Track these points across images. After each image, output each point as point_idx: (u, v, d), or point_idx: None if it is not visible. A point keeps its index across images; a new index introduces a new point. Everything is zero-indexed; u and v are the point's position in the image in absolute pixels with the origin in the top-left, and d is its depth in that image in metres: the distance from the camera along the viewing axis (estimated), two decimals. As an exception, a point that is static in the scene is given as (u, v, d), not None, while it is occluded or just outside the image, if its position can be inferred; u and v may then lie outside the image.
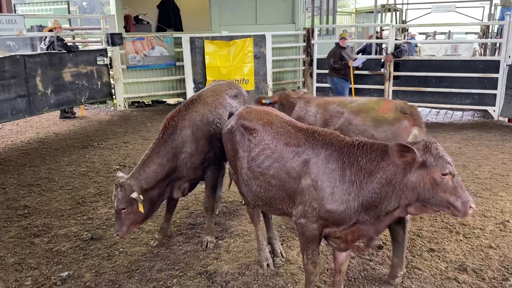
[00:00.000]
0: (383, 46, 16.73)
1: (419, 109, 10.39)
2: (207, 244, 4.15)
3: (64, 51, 8.87)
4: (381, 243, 4.18)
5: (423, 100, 9.69)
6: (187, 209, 5.09)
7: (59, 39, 9.06)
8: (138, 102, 11.17)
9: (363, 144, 2.86)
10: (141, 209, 3.60)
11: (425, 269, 3.75)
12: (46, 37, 9.29)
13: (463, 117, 10.11)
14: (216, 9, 11.09)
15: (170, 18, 12.88)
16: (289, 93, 4.74)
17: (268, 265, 3.75)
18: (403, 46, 9.80)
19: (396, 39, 10.17)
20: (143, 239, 4.38)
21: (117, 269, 3.82)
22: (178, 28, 12.75)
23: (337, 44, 9.55)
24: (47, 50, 9.01)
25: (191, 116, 3.97)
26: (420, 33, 19.77)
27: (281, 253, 3.94)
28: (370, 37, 17.80)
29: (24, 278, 3.71)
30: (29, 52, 9.84)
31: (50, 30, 9.10)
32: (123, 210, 3.61)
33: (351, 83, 9.49)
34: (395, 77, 9.84)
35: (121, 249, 4.17)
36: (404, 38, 16.59)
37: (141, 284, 3.59)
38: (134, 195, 3.55)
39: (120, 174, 3.75)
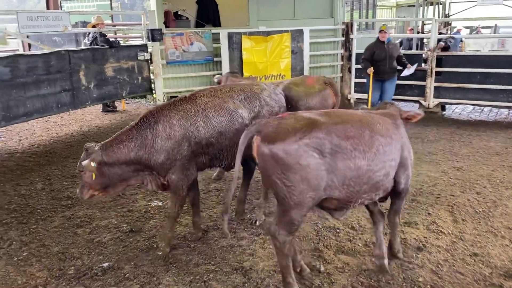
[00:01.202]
0: (425, 41, 16.27)
1: (461, 106, 10.14)
2: (159, 250, 4.06)
3: (106, 47, 9.12)
4: (421, 245, 4.07)
5: (466, 97, 9.32)
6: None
7: (102, 34, 9.31)
8: (177, 96, 11.33)
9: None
10: (93, 177, 3.67)
11: (467, 274, 3.62)
12: (89, 33, 9.57)
13: (509, 115, 9.67)
14: (254, 4, 11.06)
15: (208, 14, 12.96)
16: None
17: None
18: (450, 41, 9.42)
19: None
20: (181, 232, 4.45)
21: (155, 262, 3.90)
22: (217, 23, 12.82)
23: (377, 38, 9.16)
24: (90, 45, 9.29)
25: (169, 113, 3.85)
26: (465, 27, 19.01)
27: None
28: (410, 30, 17.30)
29: (67, 267, 3.86)
30: (73, 47, 10.16)
31: (94, 26, 9.37)
32: (81, 172, 3.73)
33: (377, 86, 8.71)
34: (437, 73, 9.50)
35: (159, 242, 4.26)
36: (447, 32, 16.04)
37: (178, 278, 3.65)
38: (84, 162, 3.60)
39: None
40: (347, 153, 2.99)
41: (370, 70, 8.50)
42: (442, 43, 9.27)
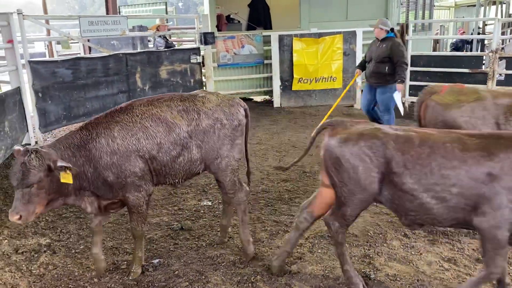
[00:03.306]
0: (486, 42, 15.49)
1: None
2: (130, 274, 3.74)
3: (162, 50, 9.41)
4: (480, 256, 3.85)
5: (532, 102, 8.76)
6: (271, 206, 5.11)
7: (161, 36, 9.66)
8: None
9: None
10: (69, 180, 3.10)
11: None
12: (155, 38, 10.00)
13: None
14: (306, 6, 11.01)
15: (260, 17, 13.06)
16: None
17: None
18: None
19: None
20: (229, 232, 4.47)
21: (204, 261, 3.94)
22: (268, 26, 12.88)
23: None
24: (154, 46, 9.70)
25: (109, 125, 3.43)
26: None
27: None
28: (462, 33, 16.53)
29: (120, 262, 3.99)
30: (130, 50, 10.56)
31: (157, 29, 9.72)
32: (38, 183, 3.04)
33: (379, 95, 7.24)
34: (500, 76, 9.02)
35: (208, 241, 4.31)
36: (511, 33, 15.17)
37: (226, 277, 3.67)
38: (61, 162, 3.07)
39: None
40: (399, 168, 2.96)
41: (358, 71, 7.64)
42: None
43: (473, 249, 3.98)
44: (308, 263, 3.84)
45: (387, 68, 6.95)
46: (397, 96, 6.92)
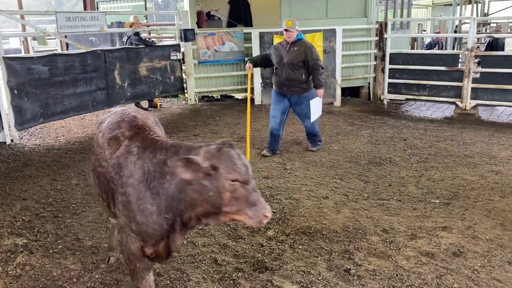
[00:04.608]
0: (463, 41, 15.83)
1: (501, 108, 9.79)
2: None
3: (141, 46, 9.29)
4: (457, 250, 3.94)
5: (506, 99, 9.01)
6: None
7: (136, 33, 9.51)
8: (208, 96, 11.45)
9: None
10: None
11: (506, 281, 3.46)
12: (126, 33, 9.81)
13: (552, 118, 9.26)
14: (286, 4, 11.03)
15: (240, 14, 13.03)
16: None
17: None
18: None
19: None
20: (210, 229, 4.46)
21: (184, 259, 3.92)
22: (248, 23, 12.87)
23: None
24: (126, 44, 9.51)
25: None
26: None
27: None
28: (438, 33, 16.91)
29: (99, 261, 3.93)
30: (109, 47, 10.41)
31: (131, 26, 9.58)
32: None
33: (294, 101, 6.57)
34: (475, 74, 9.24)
35: (189, 239, 4.28)
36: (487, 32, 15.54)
37: (207, 275, 3.66)
38: None
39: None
40: None
41: (248, 66, 6.55)
42: None
43: (450, 243, 4.06)
44: (290, 259, 3.86)
45: (303, 74, 6.36)
46: (316, 102, 6.39)
